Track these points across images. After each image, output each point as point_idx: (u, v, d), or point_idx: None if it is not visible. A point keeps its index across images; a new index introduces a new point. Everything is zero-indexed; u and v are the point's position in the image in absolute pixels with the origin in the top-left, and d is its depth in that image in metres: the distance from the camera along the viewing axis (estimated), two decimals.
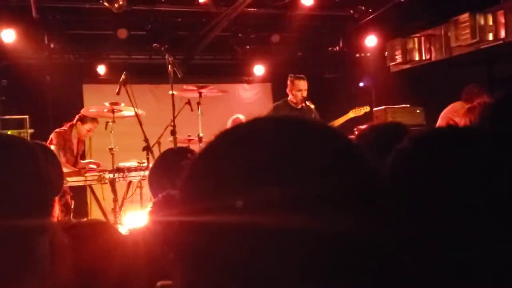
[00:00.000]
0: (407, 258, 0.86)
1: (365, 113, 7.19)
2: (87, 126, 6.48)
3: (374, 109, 8.13)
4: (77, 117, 6.52)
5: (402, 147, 0.97)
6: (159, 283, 0.82)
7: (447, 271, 0.87)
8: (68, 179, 6.04)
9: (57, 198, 1.32)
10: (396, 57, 8.44)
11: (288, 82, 6.41)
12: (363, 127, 6.93)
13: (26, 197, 1.17)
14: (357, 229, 0.61)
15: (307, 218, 0.59)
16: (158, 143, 6.08)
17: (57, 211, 1.33)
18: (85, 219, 5.94)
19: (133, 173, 6.16)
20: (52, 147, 6.11)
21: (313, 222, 0.59)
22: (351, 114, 7.08)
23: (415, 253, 0.88)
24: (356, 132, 7.16)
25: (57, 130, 6.51)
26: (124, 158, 6.32)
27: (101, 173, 6.13)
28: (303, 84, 6.26)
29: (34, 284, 1.09)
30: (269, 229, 0.59)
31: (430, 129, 1.03)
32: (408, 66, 8.62)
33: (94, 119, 6.53)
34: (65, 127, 6.52)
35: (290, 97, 6.36)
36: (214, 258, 0.61)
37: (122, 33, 8.04)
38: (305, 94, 6.26)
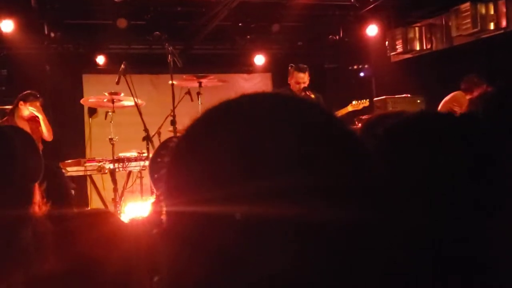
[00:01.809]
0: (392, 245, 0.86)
1: (364, 107, 7.19)
2: (29, 105, 6.07)
3: (375, 99, 8.12)
4: (18, 97, 6.14)
5: (381, 132, 0.96)
6: (156, 278, 0.81)
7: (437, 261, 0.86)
8: (68, 169, 6.04)
9: (37, 185, 1.30)
10: (397, 46, 8.41)
11: (289, 72, 6.40)
12: (364, 117, 6.97)
13: (2, 185, 1.14)
14: (346, 219, 0.60)
15: (294, 209, 0.58)
16: (158, 133, 6.08)
17: (38, 198, 1.31)
18: (88, 208, 5.94)
19: (133, 163, 6.16)
20: None
21: (300, 213, 0.58)
22: (350, 108, 7.08)
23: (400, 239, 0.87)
24: (357, 122, 7.17)
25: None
26: (124, 148, 6.32)
27: (101, 163, 6.13)
28: (302, 77, 6.24)
29: (18, 274, 1.08)
30: (258, 220, 0.58)
31: (404, 119, 1.00)
32: (408, 55, 8.59)
33: (37, 98, 6.13)
34: (7, 116, 6.17)
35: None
36: (208, 248, 0.60)
37: (122, 23, 8.00)
38: (305, 84, 6.26)
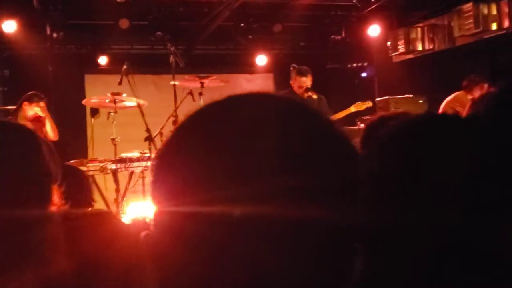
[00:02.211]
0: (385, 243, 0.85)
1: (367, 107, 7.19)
2: (34, 106, 6.02)
3: (377, 99, 8.11)
4: (22, 97, 6.10)
5: (381, 135, 0.96)
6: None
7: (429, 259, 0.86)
8: None
9: (55, 186, 1.31)
10: (399, 47, 8.41)
11: (292, 74, 6.41)
12: (366, 117, 6.97)
13: (27, 186, 1.16)
14: (341, 219, 0.60)
15: (284, 210, 0.57)
16: (160, 133, 6.08)
17: (57, 199, 1.32)
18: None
19: (136, 164, 6.16)
20: None
21: (289, 213, 0.57)
22: (353, 109, 7.08)
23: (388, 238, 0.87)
24: (359, 123, 7.17)
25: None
26: (126, 149, 6.33)
27: (104, 163, 6.14)
28: (305, 80, 6.26)
29: (30, 274, 1.09)
30: (249, 221, 0.57)
31: (415, 116, 1.01)
32: (411, 56, 8.59)
33: (42, 99, 6.08)
34: (11, 116, 6.15)
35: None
36: (198, 247, 0.59)
37: (124, 23, 8.01)
38: (308, 86, 6.29)
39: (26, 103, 6.08)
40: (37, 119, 6.16)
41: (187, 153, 0.63)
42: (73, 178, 2.05)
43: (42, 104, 6.12)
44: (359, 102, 7.13)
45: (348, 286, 0.62)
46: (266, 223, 0.57)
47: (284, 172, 0.58)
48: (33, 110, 6.05)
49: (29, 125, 6.01)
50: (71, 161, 6.24)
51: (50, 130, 6.14)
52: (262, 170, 0.58)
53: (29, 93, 6.17)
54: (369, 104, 7.15)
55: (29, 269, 1.10)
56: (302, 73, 6.29)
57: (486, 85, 6.10)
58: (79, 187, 2.10)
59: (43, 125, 6.16)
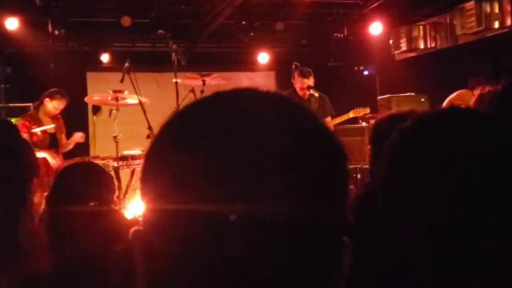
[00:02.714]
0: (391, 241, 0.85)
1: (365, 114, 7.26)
2: (55, 103, 6.16)
3: (379, 97, 8.11)
4: (45, 93, 6.21)
5: (403, 126, 0.96)
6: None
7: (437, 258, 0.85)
8: None
9: (35, 181, 1.30)
10: (401, 45, 8.39)
11: (294, 74, 6.45)
12: (368, 115, 6.98)
13: (7, 181, 1.15)
14: (322, 218, 0.60)
15: (274, 208, 0.57)
16: None
17: (35, 195, 1.32)
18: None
19: (137, 161, 6.17)
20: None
21: (283, 211, 0.57)
22: (351, 115, 7.17)
23: (402, 236, 0.87)
24: (361, 121, 7.18)
25: (23, 115, 6.28)
26: (128, 146, 6.33)
27: (105, 161, 6.15)
28: (306, 82, 6.32)
29: (14, 272, 1.08)
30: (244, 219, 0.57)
31: (434, 110, 1.02)
32: (413, 54, 8.57)
33: (64, 96, 6.20)
34: (32, 111, 6.29)
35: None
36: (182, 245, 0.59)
37: (126, 21, 8.01)
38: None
39: (47, 99, 6.18)
40: (56, 117, 6.26)
41: (172, 151, 0.62)
42: (98, 177, 2.06)
43: (64, 102, 6.21)
44: (357, 108, 7.22)
45: (339, 283, 0.61)
46: (254, 221, 0.57)
47: (271, 170, 0.58)
48: (53, 106, 6.12)
49: (49, 121, 6.19)
50: (73, 159, 6.25)
51: (66, 143, 6.33)
52: (249, 168, 0.58)
53: (51, 89, 6.29)
54: (367, 110, 7.26)
55: (14, 268, 1.10)
56: (304, 75, 6.33)
57: (488, 86, 6.11)
58: (104, 186, 2.10)
59: (64, 132, 6.33)
